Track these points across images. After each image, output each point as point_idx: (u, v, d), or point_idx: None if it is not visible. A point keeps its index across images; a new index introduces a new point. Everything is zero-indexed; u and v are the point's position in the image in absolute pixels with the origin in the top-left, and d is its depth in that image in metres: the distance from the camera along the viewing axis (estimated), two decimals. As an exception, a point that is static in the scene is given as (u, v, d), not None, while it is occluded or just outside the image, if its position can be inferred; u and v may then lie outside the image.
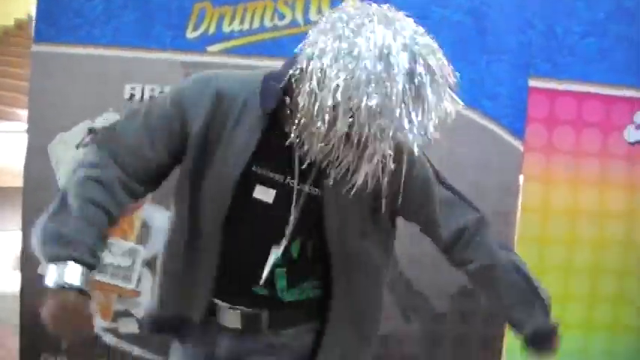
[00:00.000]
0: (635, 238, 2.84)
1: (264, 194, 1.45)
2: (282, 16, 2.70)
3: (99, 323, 2.81)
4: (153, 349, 2.81)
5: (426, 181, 1.57)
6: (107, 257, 2.72)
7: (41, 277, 2.71)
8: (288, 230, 1.46)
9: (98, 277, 2.71)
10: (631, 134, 2.78)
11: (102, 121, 2.70)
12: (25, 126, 3.81)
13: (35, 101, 2.75)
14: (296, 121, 1.32)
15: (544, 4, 2.74)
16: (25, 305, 2.79)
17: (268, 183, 1.45)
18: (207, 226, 1.48)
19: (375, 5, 1.33)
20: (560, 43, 2.76)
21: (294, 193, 1.46)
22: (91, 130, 2.71)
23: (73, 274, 1.28)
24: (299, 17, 2.70)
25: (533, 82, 2.74)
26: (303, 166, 1.40)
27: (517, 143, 2.76)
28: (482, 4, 2.72)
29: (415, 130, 1.25)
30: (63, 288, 1.27)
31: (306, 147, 1.33)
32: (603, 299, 2.85)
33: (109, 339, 2.84)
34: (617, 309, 2.86)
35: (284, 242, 1.46)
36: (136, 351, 2.84)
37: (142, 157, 1.43)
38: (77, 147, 2.71)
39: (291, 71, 1.33)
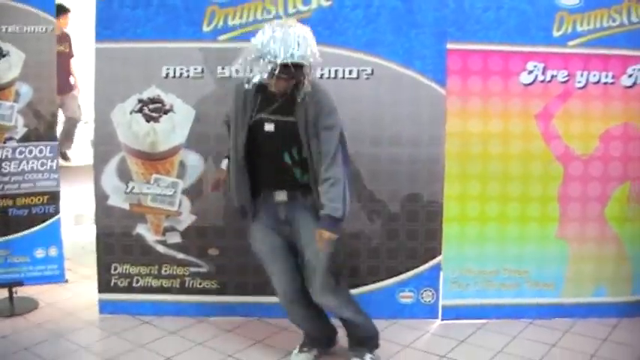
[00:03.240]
0: (531, 152, 3.40)
1: (270, 127, 2.66)
2: (269, 12, 3.32)
3: (152, 237, 3.51)
4: (193, 254, 3.52)
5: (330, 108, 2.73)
6: (156, 189, 3.44)
7: (110, 208, 3.55)
8: (277, 141, 2.65)
9: (151, 204, 3.45)
10: (524, 78, 3.37)
11: (147, 94, 3.40)
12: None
13: (99, 83, 3.41)
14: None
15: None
16: (100, 228, 3.50)
17: (269, 121, 2.65)
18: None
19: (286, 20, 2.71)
20: (468, 16, 3.32)
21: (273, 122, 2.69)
22: (140, 100, 3.40)
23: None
24: (280, 11, 3.32)
25: (450, 45, 3.31)
26: (275, 105, 2.68)
27: (441, 90, 3.36)
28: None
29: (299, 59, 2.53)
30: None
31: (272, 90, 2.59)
32: (513, 198, 3.44)
33: (160, 248, 3.52)
34: (524, 205, 3.46)
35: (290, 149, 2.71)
36: (180, 256, 3.52)
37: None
38: (130, 113, 3.41)
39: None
